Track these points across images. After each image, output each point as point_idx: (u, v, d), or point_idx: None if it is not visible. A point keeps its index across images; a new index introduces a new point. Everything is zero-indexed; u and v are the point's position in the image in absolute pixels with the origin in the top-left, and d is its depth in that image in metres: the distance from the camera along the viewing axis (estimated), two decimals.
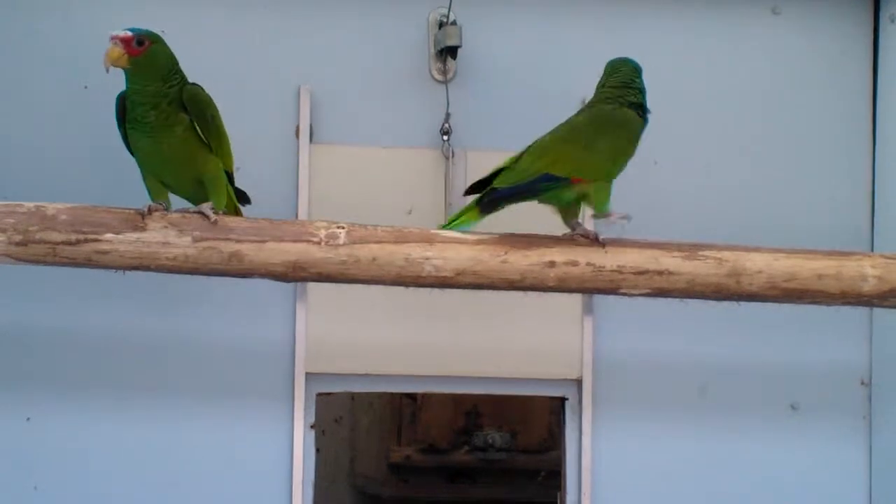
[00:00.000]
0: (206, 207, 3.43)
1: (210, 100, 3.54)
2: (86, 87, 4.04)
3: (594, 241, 3.52)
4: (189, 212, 3.44)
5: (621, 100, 3.56)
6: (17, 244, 3.31)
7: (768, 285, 3.57)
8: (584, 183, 3.51)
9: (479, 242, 3.50)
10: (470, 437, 6.60)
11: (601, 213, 3.54)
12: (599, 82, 3.66)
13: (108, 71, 3.44)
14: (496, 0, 4.26)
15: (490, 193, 3.52)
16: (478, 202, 3.55)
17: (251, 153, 4.08)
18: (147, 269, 3.40)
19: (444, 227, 3.56)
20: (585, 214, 3.70)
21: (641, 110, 3.58)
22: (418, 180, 4.16)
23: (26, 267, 3.40)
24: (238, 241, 3.40)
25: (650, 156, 4.00)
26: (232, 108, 4.08)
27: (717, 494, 4.28)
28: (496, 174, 3.55)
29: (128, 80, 3.47)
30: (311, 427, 4.09)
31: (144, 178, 3.53)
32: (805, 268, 3.58)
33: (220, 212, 3.46)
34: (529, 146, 3.58)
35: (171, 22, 4.10)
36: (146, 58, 3.43)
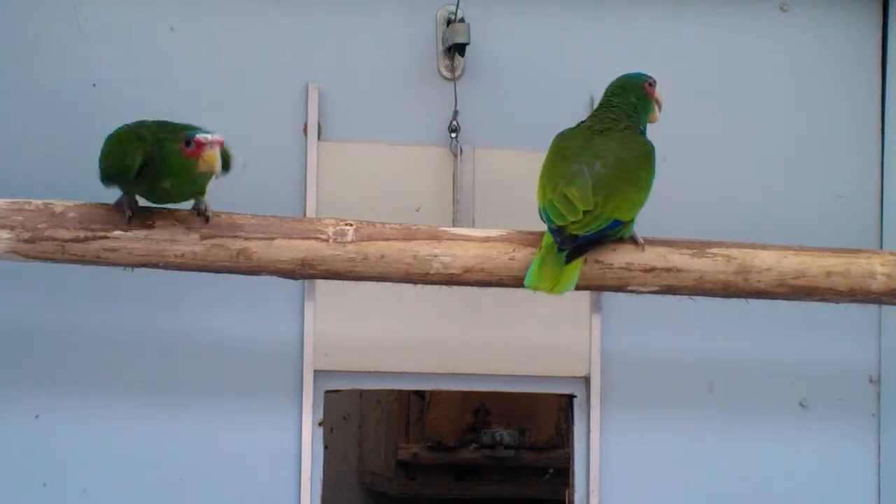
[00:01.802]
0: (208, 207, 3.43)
1: None
2: (94, 85, 4.05)
3: (634, 243, 3.52)
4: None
5: (633, 122, 3.57)
6: (26, 241, 3.31)
7: (777, 283, 3.56)
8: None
9: (486, 240, 3.50)
10: (478, 434, 6.60)
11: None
12: (606, 96, 3.64)
13: None
14: None
15: (571, 241, 3.40)
16: (561, 252, 3.40)
17: (259, 151, 4.09)
18: (155, 266, 3.40)
19: (552, 292, 3.40)
20: None
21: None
22: (426, 178, 4.16)
23: (35, 264, 3.40)
24: (246, 238, 3.40)
25: (659, 153, 3.99)
26: (240, 105, 4.10)
27: (726, 491, 4.27)
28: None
29: None
30: (320, 424, 4.09)
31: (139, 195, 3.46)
32: (814, 265, 3.58)
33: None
34: (585, 176, 3.45)
35: (180, 20, 4.11)
36: None
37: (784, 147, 4.37)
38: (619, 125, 3.55)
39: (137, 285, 3.86)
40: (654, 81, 3.61)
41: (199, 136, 3.29)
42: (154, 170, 3.29)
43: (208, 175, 3.30)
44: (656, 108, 3.62)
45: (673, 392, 4.26)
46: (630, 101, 3.57)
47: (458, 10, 4.17)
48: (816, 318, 4.12)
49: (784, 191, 4.35)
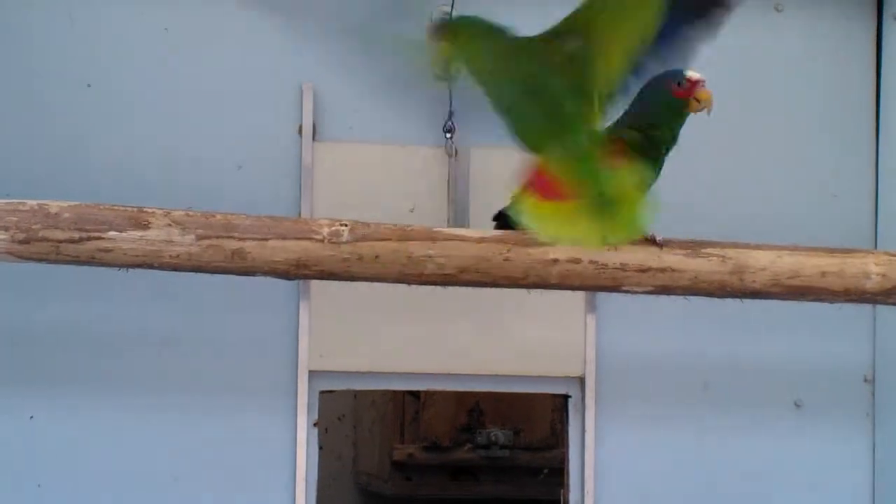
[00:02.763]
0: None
1: None
2: (89, 86, 4.04)
3: (652, 242, 3.51)
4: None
5: (636, 115, 3.51)
6: (20, 242, 3.31)
7: (771, 282, 3.56)
8: None
9: (481, 240, 3.50)
10: (473, 434, 6.59)
11: None
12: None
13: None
14: None
15: (501, 219, 3.58)
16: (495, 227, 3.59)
17: (254, 151, 4.09)
18: (150, 266, 3.39)
19: None
20: None
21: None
22: (421, 178, 4.16)
23: (29, 265, 3.40)
24: (241, 238, 3.39)
25: None
26: (235, 105, 4.10)
27: (721, 492, 4.28)
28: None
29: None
30: (314, 425, 4.09)
31: None
32: (808, 265, 3.58)
33: None
34: None
35: (174, 20, 4.11)
36: None
37: (778, 146, 4.37)
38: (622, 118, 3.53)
39: (132, 286, 3.85)
40: (686, 80, 3.43)
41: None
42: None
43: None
44: (693, 104, 3.44)
45: (668, 392, 4.26)
46: (644, 98, 3.51)
47: (453, 10, 4.16)
48: (811, 317, 4.13)
49: (778, 190, 4.36)
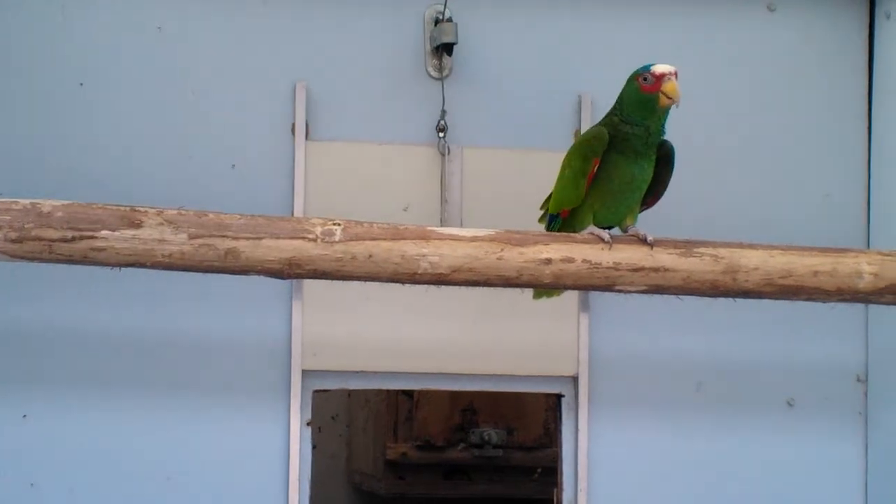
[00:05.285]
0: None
1: None
2: (81, 85, 4.04)
3: (643, 241, 3.51)
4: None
5: (616, 114, 3.50)
6: (13, 241, 3.30)
7: (764, 282, 3.57)
8: (568, 213, 3.54)
9: (474, 239, 3.50)
10: (466, 433, 6.60)
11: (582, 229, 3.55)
12: None
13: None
14: None
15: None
16: None
17: (247, 150, 4.09)
18: (143, 266, 3.39)
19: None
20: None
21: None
22: (414, 177, 4.16)
23: (22, 264, 3.39)
24: (234, 237, 3.39)
25: None
26: (228, 104, 4.10)
27: (714, 491, 4.28)
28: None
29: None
30: (308, 424, 4.09)
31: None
32: (801, 264, 3.58)
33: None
34: None
35: (167, 19, 4.11)
36: None
37: (771, 146, 4.37)
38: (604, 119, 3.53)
39: (125, 285, 3.85)
40: (651, 75, 3.38)
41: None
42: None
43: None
44: (663, 99, 3.39)
45: (661, 391, 4.27)
46: (621, 95, 3.50)
47: (446, 10, 4.17)
48: (804, 317, 4.13)
49: (771, 190, 4.36)
